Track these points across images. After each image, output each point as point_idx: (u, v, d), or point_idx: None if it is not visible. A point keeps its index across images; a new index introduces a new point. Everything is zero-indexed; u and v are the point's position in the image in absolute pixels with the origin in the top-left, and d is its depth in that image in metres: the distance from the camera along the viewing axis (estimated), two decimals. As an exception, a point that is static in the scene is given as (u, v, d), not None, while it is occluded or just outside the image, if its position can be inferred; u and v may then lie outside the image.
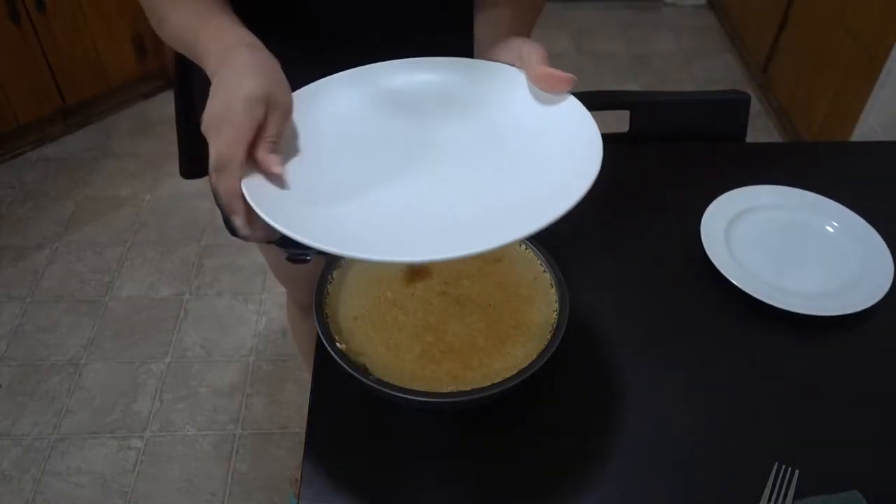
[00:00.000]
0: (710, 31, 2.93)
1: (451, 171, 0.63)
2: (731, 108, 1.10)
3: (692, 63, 2.74)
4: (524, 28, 0.76)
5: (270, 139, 0.57)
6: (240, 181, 0.56)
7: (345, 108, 0.69)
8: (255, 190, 0.57)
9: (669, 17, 3.03)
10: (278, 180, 0.58)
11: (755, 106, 2.42)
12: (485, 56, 0.71)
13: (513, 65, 0.67)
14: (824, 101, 2.08)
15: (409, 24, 0.83)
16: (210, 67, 0.62)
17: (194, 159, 0.99)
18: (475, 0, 0.77)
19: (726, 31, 2.88)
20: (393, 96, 0.70)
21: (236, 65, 0.59)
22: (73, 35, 2.14)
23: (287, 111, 0.60)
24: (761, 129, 2.40)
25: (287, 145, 0.63)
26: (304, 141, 0.64)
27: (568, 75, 0.62)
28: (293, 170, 0.61)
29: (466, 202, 0.60)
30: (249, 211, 0.56)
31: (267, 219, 0.54)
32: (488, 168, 0.63)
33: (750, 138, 1.09)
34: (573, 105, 0.63)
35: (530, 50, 0.65)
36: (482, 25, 0.76)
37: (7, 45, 2.02)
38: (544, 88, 0.64)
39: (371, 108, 0.69)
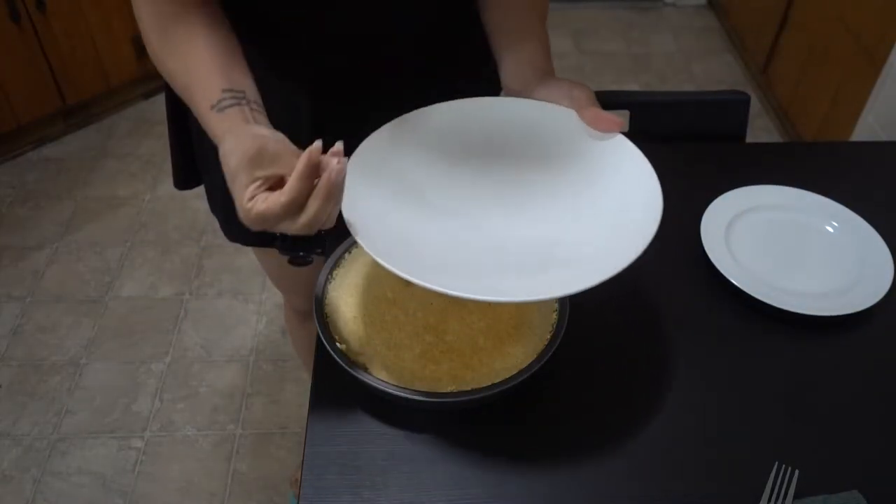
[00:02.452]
0: (710, 31, 2.93)
1: (520, 210, 0.69)
2: (731, 108, 1.10)
3: (692, 63, 2.74)
4: (546, 48, 0.78)
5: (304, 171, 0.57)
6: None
7: (421, 150, 0.73)
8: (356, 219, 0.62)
9: (669, 17, 3.03)
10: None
11: (755, 106, 2.43)
12: (520, 90, 0.75)
13: (560, 104, 0.72)
14: (824, 101, 2.08)
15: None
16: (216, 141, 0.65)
17: (187, 169, 0.99)
18: (494, 36, 0.80)
19: (726, 31, 2.87)
20: (463, 137, 0.74)
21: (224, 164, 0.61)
22: (73, 35, 2.14)
23: (280, 143, 0.60)
24: (761, 129, 2.40)
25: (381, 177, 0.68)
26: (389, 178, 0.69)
27: (619, 120, 0.69)
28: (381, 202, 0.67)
29: (534, 244, 0.66)
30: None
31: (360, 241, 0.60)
32: (558, 208, 0.69)
33: (750, 138, 1.09)
34: (632, 153, 0.69)
35: (581, 92, 0.71)
36: (511, 61, 0.78)
37: (7, 45, 2.02)
38: (596, 129, 0.70)
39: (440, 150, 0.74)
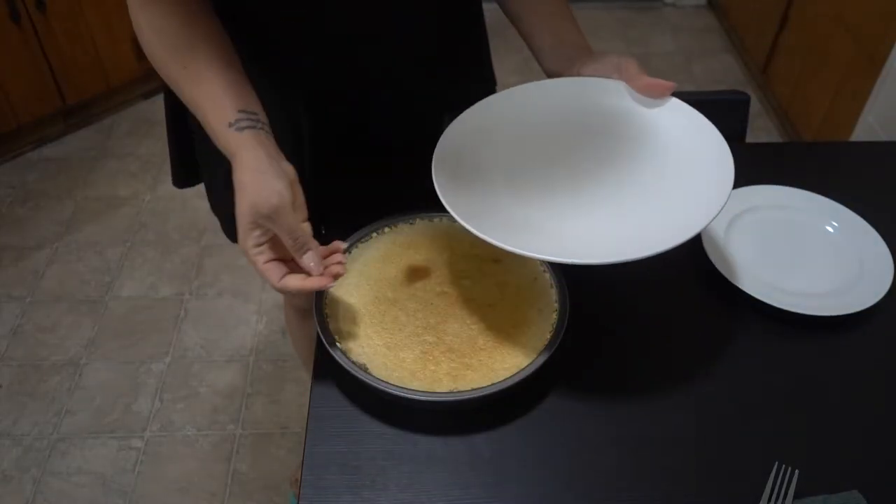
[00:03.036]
0: (710, 31, 2.93)
1: (596, 186, 0.73)
2: (731, 108, 1.10)
3: (692, 63, 2.74)
4: (578, 26, 0.83)
5: (292, 247, 0.64)
6: (294, 282, 0.65)
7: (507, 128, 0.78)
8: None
9: (669, 17, 3.03)
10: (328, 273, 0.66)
11: (755, 106, 2.42)
12: (562, 70, 0.79)
13: (610, 77, 0.76)
14: (824, 101, 2.08)
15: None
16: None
17: (186, 167, 0.99)
18: (524, 22, 0.83)
19: (726, 31, 2.87)
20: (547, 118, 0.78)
21: (235, 205, 0.65)
22: (73, 35, 2.14)
23: (282, 206, 0.64)
24: (761, 129, 2.40)
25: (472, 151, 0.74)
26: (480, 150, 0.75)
27: (669, 84, 0.74)
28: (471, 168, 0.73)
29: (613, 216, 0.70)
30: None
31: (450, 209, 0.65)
32: (630, 184, 0.73)
33: (750, 138, 1.09)
34: (694, 117, 0.75)
35: (629, 63, 0.74)
36: (550, 43, 0.81)
37: (7, 45, 2.02)
38: (651, 96, 0.75)
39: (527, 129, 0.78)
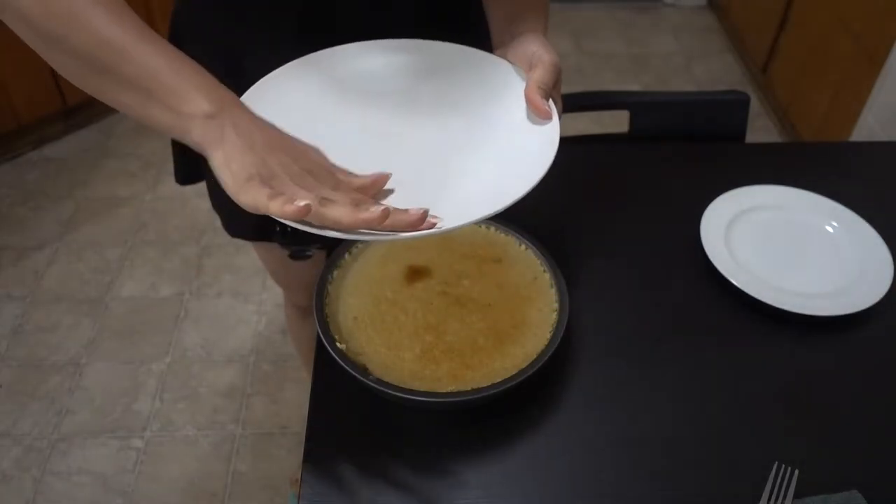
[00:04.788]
0: (710, 31, 2.93)
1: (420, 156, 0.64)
2: (731, 108, 1.10)
3: (692, 63, 2.74)
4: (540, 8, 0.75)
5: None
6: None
7: (319, 89, 0.70)
8: None
9: (669, 18, 3.03)
10: None
11: (755, 106, 2.43)
12: (501, 41, 0.73)
13: (519, 64, 0.68)
14: (824, 101, 2.08)
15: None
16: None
17: (189, 164, 0.99)
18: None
19: (726, 32, 2.87)
20: (372, 78, 0.71)
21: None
22: (73, 35, 2.14)
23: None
24: (761, 129, 2.40)
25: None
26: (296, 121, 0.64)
27: (546, 111, 0.63)
28: None
29: (435, 188, 0.61)
30: None
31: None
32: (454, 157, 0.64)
33: (750, 138, 1.09)
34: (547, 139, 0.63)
35: (538, 63, 0.65)
36: (492, 18, 0.76)
37: (7, 45, 2.01)
38: (531, 107, 0.64)
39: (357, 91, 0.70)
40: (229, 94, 0.58)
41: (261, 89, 0.67)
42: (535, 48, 0.67)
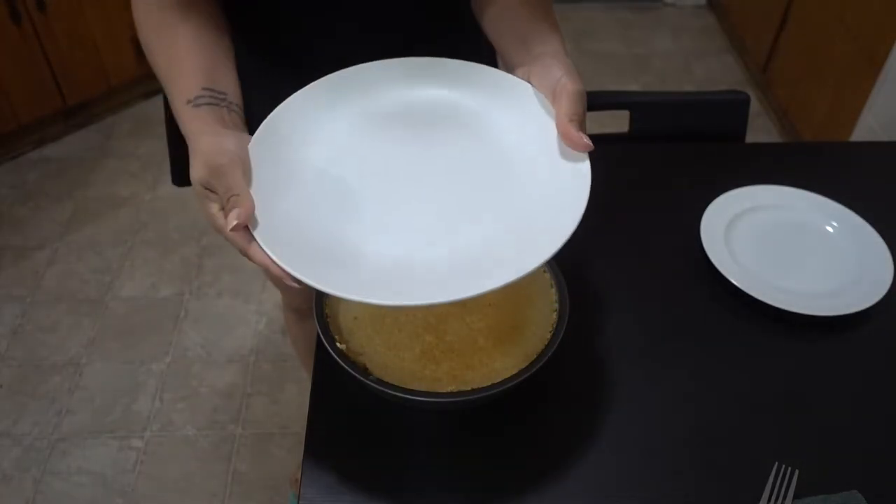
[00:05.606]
0: (710, 31, 2.93)
1: (444, 198, 0.63)
2: (731, 108, 1.10)
3: (692, 63, 2.74)
4: (548, 19, 0.73)
5: (226, 205, 0.59)
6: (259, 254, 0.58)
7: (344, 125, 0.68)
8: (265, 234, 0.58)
9: (669, 17, 3.03)
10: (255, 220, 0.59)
11: (755, 106, 2.43)
12: (521, 61, 0.69)
13: (542, 92, 0.65)
14: (824, 101, 2.08)
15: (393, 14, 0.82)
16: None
17: (186, 165, 0.99)
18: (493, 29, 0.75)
19: (726, 31, 2.87)
20: (396, 108, 0.69)
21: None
22: (73, 35, 2.14)
23: (220, 170, 0.60)
24: (761, 129, 2.40)
25: (282, 174, 0.63)
26: (292, 169, 0.64)
27: (586, 144, 0.60)
28: (294, 205, 0.61)
29: (459, 236, 0.60)
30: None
31: (279, 262, 0.55)
32: (480, 195, 0.62)
33: (750, 138, 1.09)
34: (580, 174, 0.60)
35: (562, 93, 0.62)
36: (498, 24, 0.74)
37: (8, 45, 2.02)
38: (566, 142, 0.62)
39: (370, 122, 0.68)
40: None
41: (285, 111, 0.66)
42: (559, 75, 0.63)
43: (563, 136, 0.61)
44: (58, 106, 2.23)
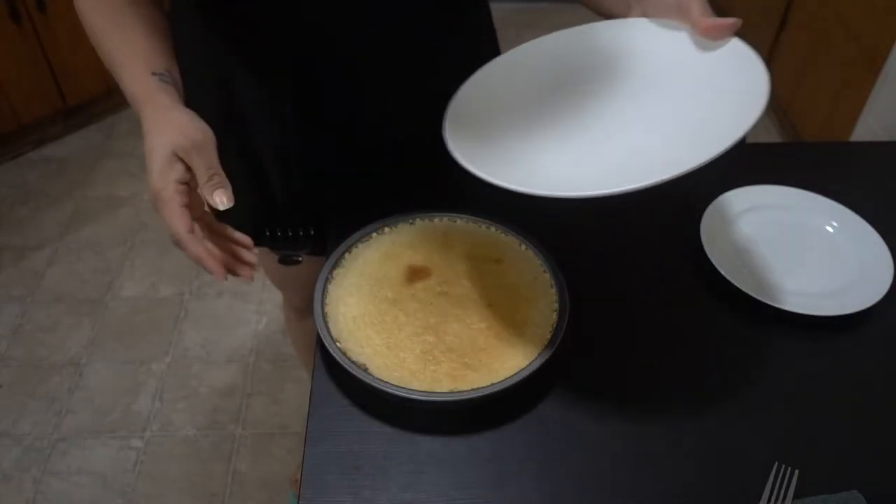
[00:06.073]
0: (711, 31, 2.93)
1: (624, 119, 0.70)
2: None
3: (692, 63, 2.74)
4: None
5: (204, 180, 0.61)
6: (198, 248, 0.61)
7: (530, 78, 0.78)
8: (465, 151, 0.66)
9: (669, 17, 3.03)
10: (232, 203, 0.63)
11: (755, 106, 2.42)
12: (627, 4, 0.76)
13: (669, 18, 0.71)
14: (824, 101, 2.08)
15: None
16: (140, 116, 0.67)
17: None
18: None
19: (726, 31, 2.87)
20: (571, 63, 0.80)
21: (147, 142, 0.63)
22: (73, 35, 2.14)
23: (201, 145, 0.62)
24: (761, 129, 2.40)
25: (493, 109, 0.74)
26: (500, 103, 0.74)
27: (732, 20, 0.66)
28: (496, 129, 0.72)
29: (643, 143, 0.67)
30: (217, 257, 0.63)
31: (473, 170, 0.62)
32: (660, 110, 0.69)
33: (750, 138, 1.09)
34: (739, 49, 0.68)
35: (691, 3, 0.67)
36: None
37: (8, 45, 2.02)
38: (713, 38, 0.67)
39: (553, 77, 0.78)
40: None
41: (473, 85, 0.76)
42: None
43: (708, 30, 0.66)
44: (58, 106, 2.23)
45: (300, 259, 0.91)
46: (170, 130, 0.62)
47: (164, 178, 0.61)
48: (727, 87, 0.65)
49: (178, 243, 0.61)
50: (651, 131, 0.68)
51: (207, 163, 0.61)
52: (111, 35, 0.70)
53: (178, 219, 0.60)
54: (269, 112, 0.83)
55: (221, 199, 0.60)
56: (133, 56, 0.68)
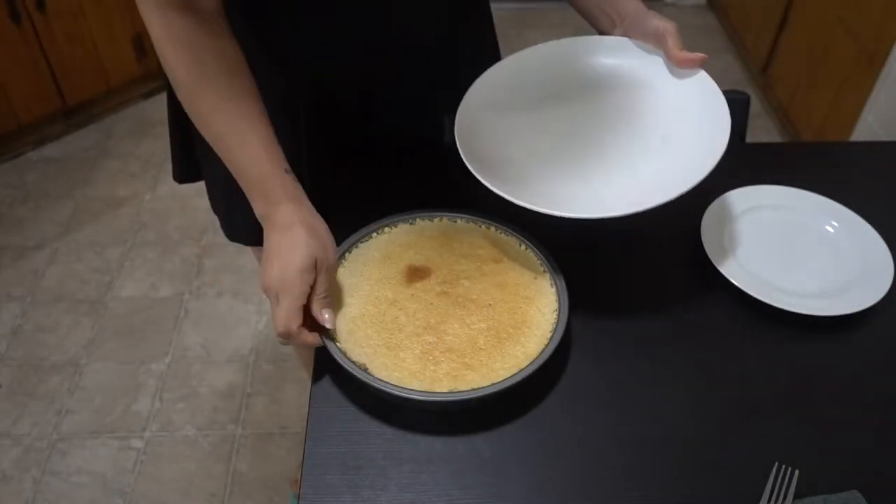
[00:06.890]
0: (710, 31, 2.93)
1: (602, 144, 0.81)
2: (731, 108, 1.09)
3: (692, 63, 2.74)
4: None
5: (321, 296, 0.68)
6: (304, 337, 0.67)
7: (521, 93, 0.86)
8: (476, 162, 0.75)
9: (669, 17, 3.02)
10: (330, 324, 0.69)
11: (755, 106, 2.42)
12: (610, 24, 0.86)
13: (646, 42, 0.82)
14: (824, 101, 2.08)
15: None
16: (256, 208, 0.71)
17: (188, 162, 0.99)
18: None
19: (726, 31, 2.87)
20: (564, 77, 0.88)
21: (291, 236, 0.67)
22: (73, 35, 2.14)
23: (332, 267, 0.70)
24: (761, 129, 2.40)
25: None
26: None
27: (700, 56, 0.78)
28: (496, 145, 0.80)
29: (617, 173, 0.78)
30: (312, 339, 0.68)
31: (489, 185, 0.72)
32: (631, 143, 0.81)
33: (750, 138, 1.09)
34: (706, 84, 0.80)
35: (665, 30, 0.79)
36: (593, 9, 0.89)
37: (8, 45, 2.02)
38: (681, 67, 0.80)
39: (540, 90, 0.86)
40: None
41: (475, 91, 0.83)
42: (655, 23, 0.80)
43: (681, 62, 0.79)
44: (58, 106, 2.23)
45: None
46: (317, 240, 0.68)
47: (303, 279, 0.66)
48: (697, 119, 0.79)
49: (286, 335, 0.66)
50: (642, 159, 0.80)
51: (328, 283, 0.68)
52: (224, 126, 0.71)
53: (296, 314, 0.66)
54: (282, 110, 0.83)
55: (326, 318, 0.68)
56: (259, 148, 0.70)
